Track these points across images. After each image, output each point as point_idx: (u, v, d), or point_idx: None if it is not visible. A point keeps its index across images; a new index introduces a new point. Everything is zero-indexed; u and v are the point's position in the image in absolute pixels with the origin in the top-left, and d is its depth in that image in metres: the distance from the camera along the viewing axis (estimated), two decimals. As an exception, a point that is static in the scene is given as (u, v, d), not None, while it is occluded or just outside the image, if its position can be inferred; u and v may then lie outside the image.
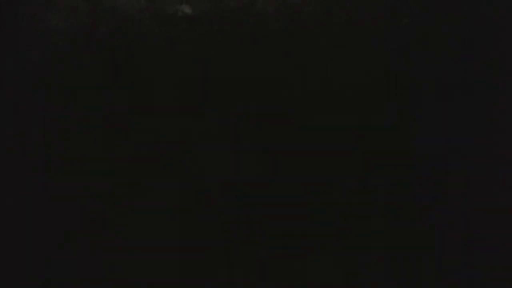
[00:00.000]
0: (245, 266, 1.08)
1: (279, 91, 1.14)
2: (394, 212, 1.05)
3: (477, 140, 1.02)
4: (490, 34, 1.05)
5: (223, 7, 1.18)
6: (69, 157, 1.23)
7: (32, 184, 1.23)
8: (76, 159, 1.21)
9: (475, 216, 1.01)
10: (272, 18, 1.14)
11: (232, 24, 1.17)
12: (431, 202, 1.04)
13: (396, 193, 1.04)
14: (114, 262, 1.15)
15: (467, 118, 1.03)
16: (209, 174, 1.14)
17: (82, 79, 1.25)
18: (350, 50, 1.09)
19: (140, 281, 1.15)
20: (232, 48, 1.16)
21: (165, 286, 1.12)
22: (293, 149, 1.12)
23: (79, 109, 1.25)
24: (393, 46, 1.06)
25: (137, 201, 1.18)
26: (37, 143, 1.26)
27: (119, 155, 1.20)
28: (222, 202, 1.13)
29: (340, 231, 1.07)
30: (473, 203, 1.02)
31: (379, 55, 1.07)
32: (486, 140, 1.02)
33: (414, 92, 1.05)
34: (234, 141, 1.14)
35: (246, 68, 1.15)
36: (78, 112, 1.25)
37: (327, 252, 1.06)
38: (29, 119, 1.26)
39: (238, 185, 1.12)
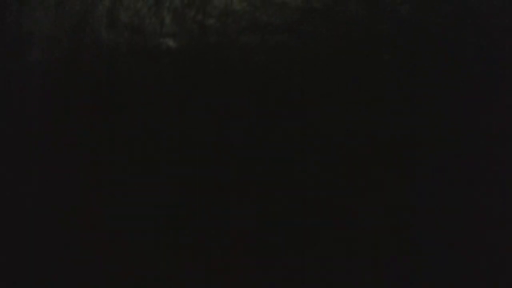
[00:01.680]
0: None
1: (263, 123, 1.12)
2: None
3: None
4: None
5: (207, 41, 1.16)
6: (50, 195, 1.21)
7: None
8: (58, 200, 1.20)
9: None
10: (255, 52, 1.12)
11: (216, 58, 1.15)
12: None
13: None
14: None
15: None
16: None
17: (63, 114, 1.22)
18: (332, 83, 1.07)
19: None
20: (215, 82, 1.14)
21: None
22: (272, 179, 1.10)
23: (61, 144, 1.23)
24: (375, 80, 1.05)
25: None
26: (15, 181, 1.24)
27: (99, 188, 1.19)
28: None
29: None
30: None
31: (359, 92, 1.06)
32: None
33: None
34: (221, 162, 1.12)
35: (230, 102, 1.13)
36: (60, 147, 1.23)
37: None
38: (9, 156, 1.24)
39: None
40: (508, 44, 0.98)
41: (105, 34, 1.21)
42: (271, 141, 1.10)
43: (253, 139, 1.12)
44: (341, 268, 1.04)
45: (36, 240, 1.25)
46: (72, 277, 1.22)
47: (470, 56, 0.98)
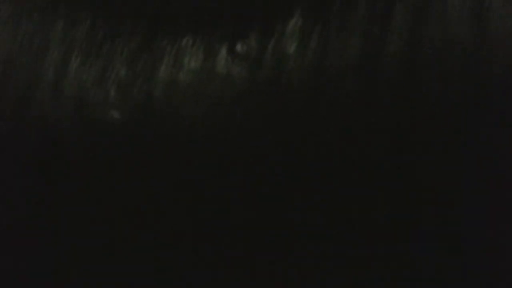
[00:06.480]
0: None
1: (209, 195, 1.09)
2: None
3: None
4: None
5: (153, 112, 1.13)
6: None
7: None
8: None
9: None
10: (200, 124, 1.10)
11: (161, 129, 1.13)
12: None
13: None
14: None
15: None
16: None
17: (7, 189, 1.18)
18: (277, 155, 1.05)
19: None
20: (160, 154, 1.12)
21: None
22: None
23: (5, 215, 1.18)
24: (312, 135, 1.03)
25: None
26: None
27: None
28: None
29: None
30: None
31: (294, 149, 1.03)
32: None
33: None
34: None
35: (176, 174, 1.11)
36: (5, 217, 1.18)
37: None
38: None
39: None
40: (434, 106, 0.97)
41: (50, 107, 1.18)
42: (215, 214, 1.07)
43: (197, 210, 1.08)
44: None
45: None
46: None
47: (408, 129, 0.97)
